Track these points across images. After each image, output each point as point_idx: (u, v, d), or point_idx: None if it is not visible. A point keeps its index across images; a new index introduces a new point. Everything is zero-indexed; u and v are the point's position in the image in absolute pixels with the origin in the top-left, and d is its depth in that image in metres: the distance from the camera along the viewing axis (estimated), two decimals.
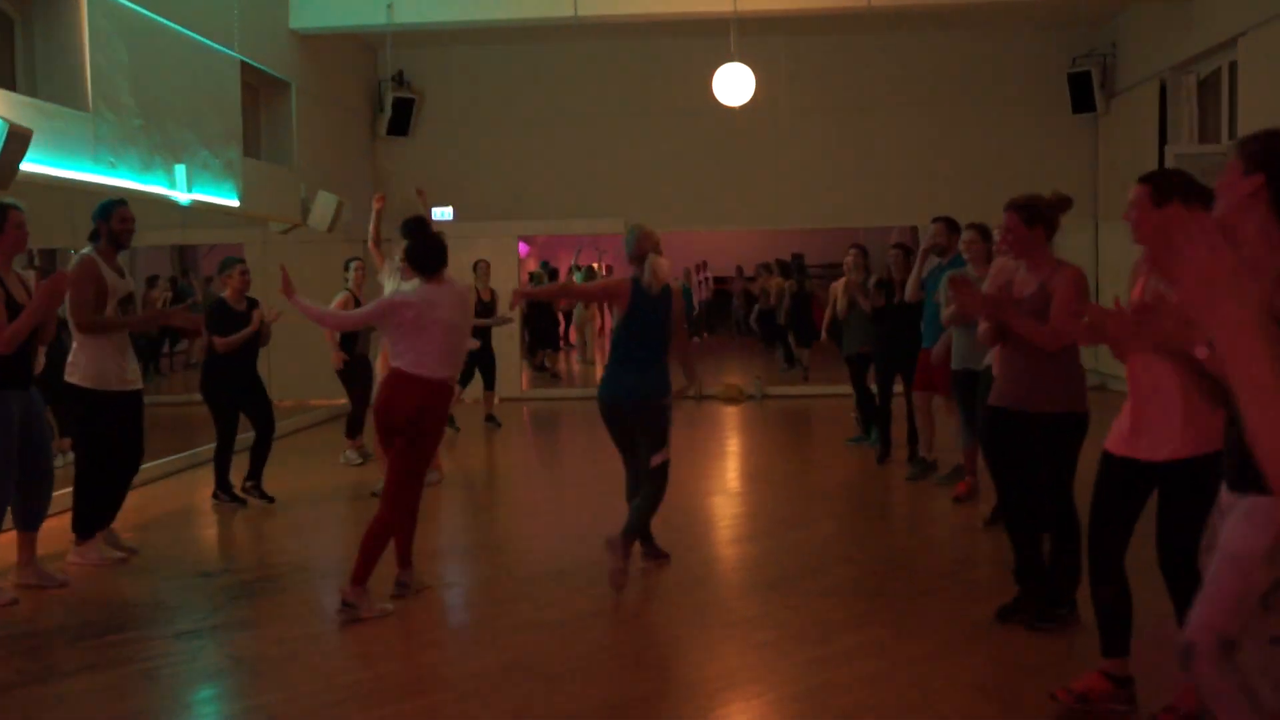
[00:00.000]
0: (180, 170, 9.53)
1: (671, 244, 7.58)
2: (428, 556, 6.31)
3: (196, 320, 6.93)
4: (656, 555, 6.19)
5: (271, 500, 8.05)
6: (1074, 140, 14.69)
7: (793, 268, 18.85)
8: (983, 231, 6.73)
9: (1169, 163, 11.52)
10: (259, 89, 12.04)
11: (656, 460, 5.76)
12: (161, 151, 9.30)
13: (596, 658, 4.81)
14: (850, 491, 8.63)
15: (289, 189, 12.07)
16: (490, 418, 12.32)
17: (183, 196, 9.57)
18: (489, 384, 12.09)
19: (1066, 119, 14.49)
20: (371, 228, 8.74)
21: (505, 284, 14.94)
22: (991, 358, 5.61)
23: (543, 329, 18.36)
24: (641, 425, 5.83)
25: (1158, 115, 12.72)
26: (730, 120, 14.70)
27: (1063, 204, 5.01)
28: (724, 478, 9.40)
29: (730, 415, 13.27)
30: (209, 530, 7.63)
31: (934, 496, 8.04)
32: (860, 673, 4.50)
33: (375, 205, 8.70)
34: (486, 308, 11.62)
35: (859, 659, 4.66)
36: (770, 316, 20.26)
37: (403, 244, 5.87)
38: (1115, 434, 4.12)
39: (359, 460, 9.72)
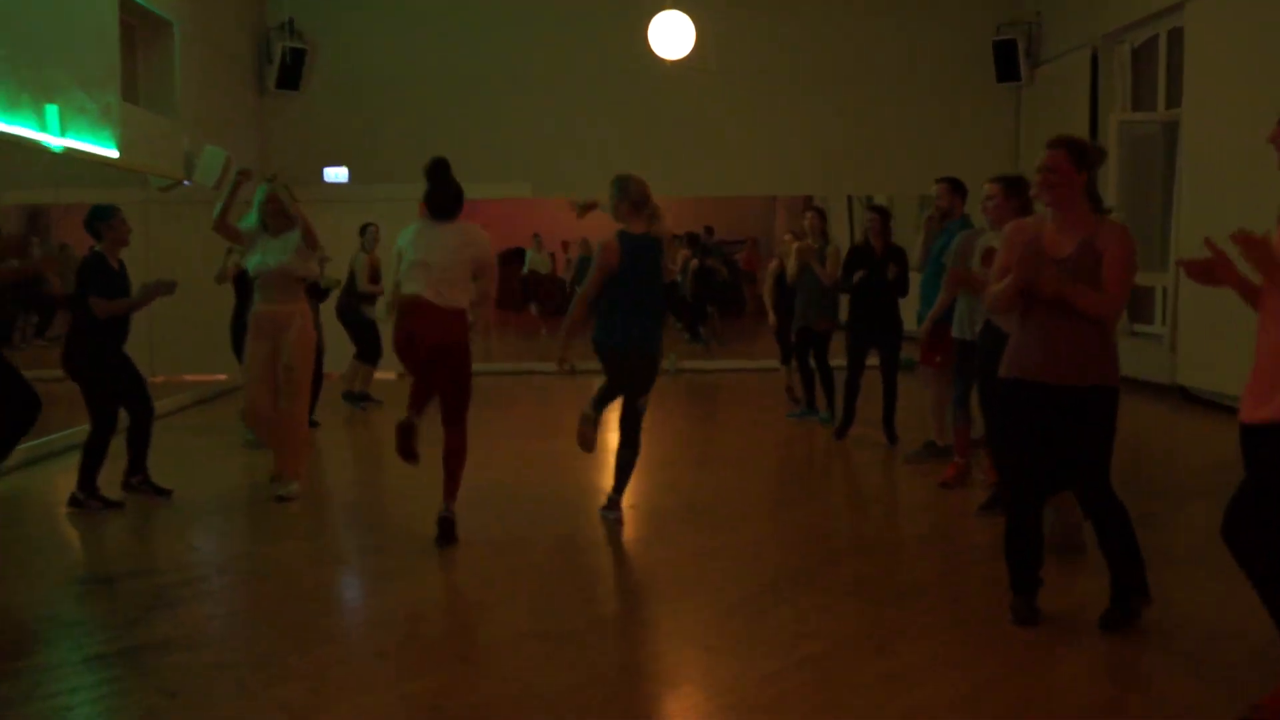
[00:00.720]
0: (52, 111, 8.30)
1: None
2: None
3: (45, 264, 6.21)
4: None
5: (168, 494, 6.82)
6: (999, 110, 14.35)
7: (699, 241, 18.19)
8: (1010, 186, 5.98)
9: (1113, 131, 11.24)
10: (136, 27, 10.76)
11: (644, 401, 6.11)
12: (30, 89, 8.06)
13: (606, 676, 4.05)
14: (822, 471, 8.04)
15: (171, 141, 10.85)
16: (353, 395, 11.09)
17: (55, 141, 8.35)
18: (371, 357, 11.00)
19: (991, 88, 14.14)
20: (224, 205, 7.16)
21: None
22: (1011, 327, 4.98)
23: None
24: (642, 374, 6.05)
25: (1089, 83, 12.42)
26: (653, 81, 13.95)
27: (1102, 155, 4.49)
28: (681, 455, 8.62)
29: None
30: (99, 528, 6.49)
31: (906, 475, 7.49)
32: (952, 697, 3.79)
33: (237, 177, 7.39)
34: (377, 274, 10.62)
35: (936, 679, 3.96)
36: (674, 288, 19.70)
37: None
38: (1249, 402, 3.58)
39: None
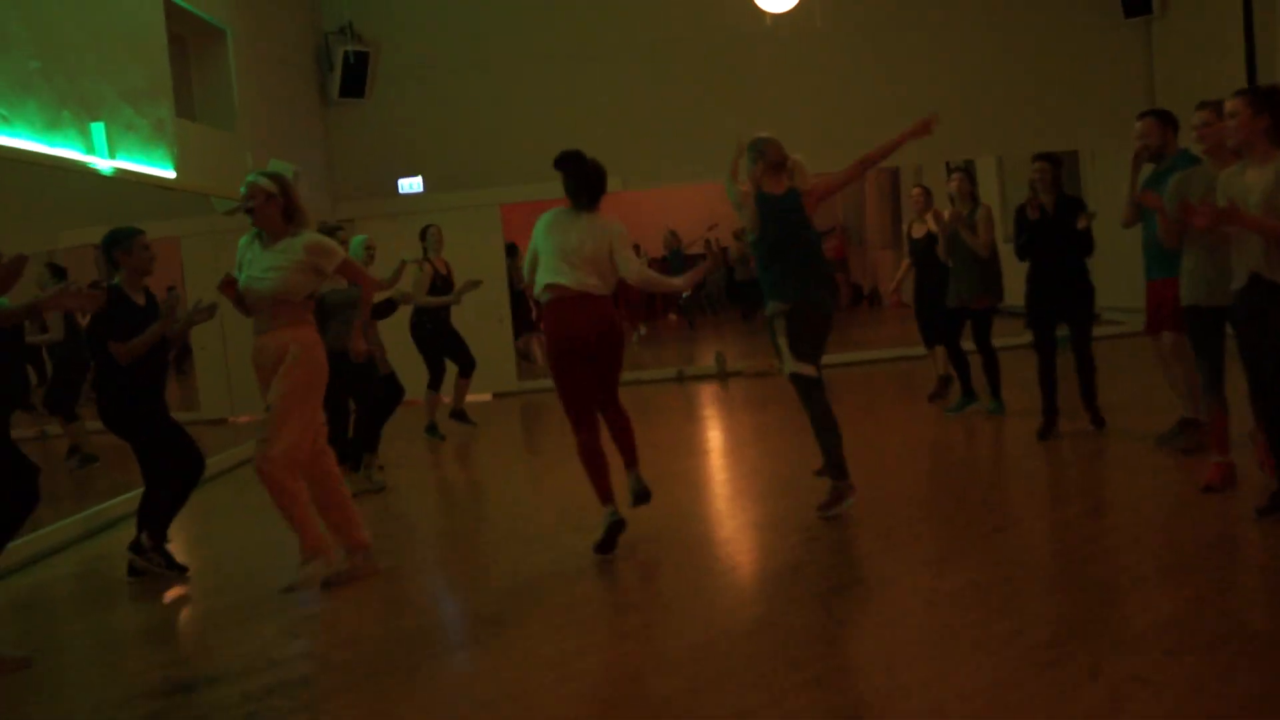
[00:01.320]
0: (98, 130, 7.38)
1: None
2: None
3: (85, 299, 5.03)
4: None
5: (183, 570, 5.75)
6: (1125, 51, 12.91)
7: None
8: (1263, 99, 4.74)
9: None
10: (188, 38, 9.87)
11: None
12: (71, 105, 7.14)
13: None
14: (1027, 475, 6.79)
15: (232, 157, 9.91)
16: (459, 414, 10.12)
17: (103, 164, 7.42)
18: (465, 370, 9.90)
19: (1116, 26, 12.73)
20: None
21: (490, 265, 12.95)
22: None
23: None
24: (814, 335, 5.71)
25: (1241, 9, 10.96)
26: (743, 52, 12.80)
27: None
28: (872, 455, 7.39)
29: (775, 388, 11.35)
30: (166, 613, 5.41)
31: (1144, 470, 6.26)
32: None
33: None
34: (444, 283, 9.55)
35: None
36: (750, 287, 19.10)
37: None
38: None
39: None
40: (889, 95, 12.79)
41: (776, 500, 6.43)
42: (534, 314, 18.12)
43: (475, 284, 9.36)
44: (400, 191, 13.03)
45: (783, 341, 5.66)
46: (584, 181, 5.44)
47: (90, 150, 7.29)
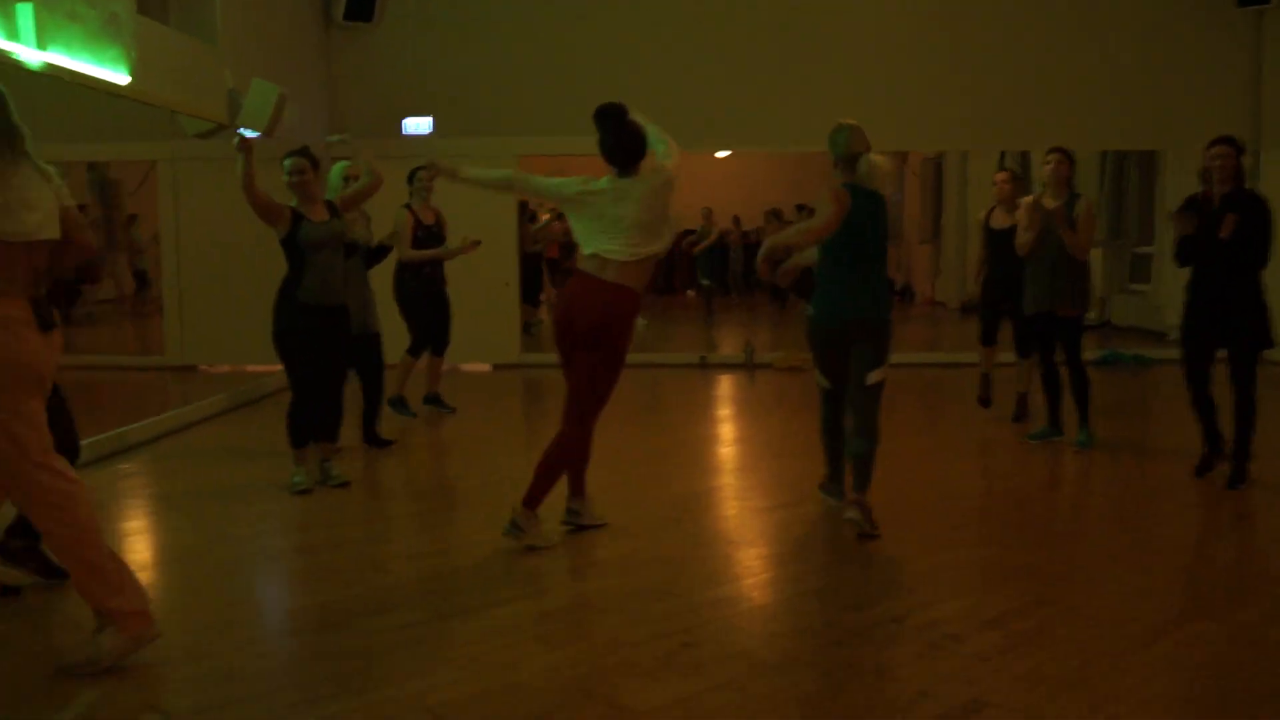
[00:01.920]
0: (25, 13, 6.00)
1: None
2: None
3: None
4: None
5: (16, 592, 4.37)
6: (1234, 42, 11.46)
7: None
8: None
9: None
10: None
11: (874, 378, 5.18)
12: None
13: None
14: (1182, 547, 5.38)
15: (207, 72, 8.52)
16: (433, 398, 8.78)
17: (29, 54, 6.05)
18: (437, 348, 8.48)
19: (1226, 15, 11.28)
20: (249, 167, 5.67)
21: (500, 223, 11.59)
22: None
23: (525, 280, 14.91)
24: (869, 342, 5.19)
25: None
26: (799, 11, 11.40)
27: None
28: (914, 498, 6.06)
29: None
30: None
31: None
32: None
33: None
34: (429, 236, 8.10)
35: None
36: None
37: None
38: None
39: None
40: (951, 77, 11.42)
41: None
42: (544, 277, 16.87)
43: (474, 244, 8.07)
44: (405, 133, 11.64)
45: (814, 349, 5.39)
46: (619, 142, 4.93)
47: (14, 37, 5.92)
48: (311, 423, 6.05)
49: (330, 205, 6.10)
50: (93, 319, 15.68)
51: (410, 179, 8.10)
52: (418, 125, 11.64)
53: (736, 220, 21.55)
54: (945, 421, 8.92)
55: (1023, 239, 7.04)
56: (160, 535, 5.53)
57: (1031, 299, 7.07)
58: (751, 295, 21.38)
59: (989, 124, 11.71)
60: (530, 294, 15.15)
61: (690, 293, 22.04)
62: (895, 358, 5.44)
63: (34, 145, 3.57)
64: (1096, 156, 14.42)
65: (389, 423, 7.82)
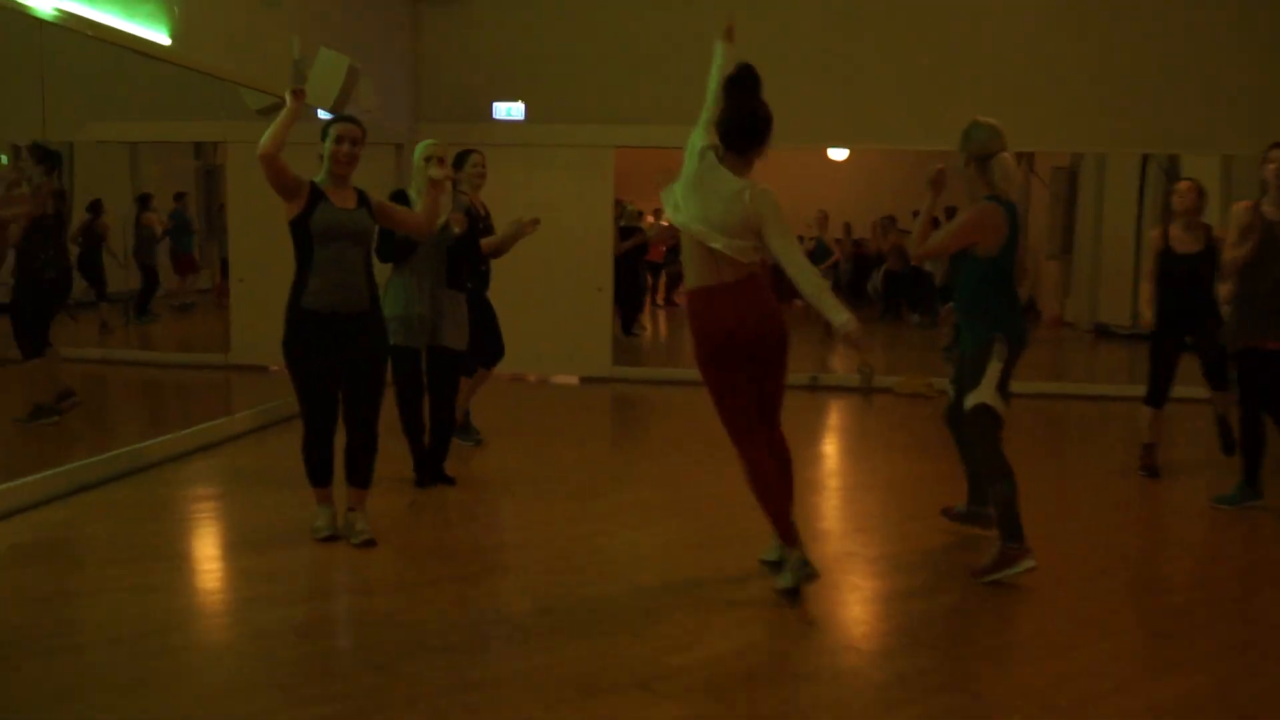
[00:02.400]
0: None
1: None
2: None
3: None
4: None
5: None
6: None
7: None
8: None
9: None
10: None
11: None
12: None
13: None
14: None
15: (268, 37, 7.59)
16: (462, 425, 7.21)
17: (41, 2, 5.12)
18: (487, 360, 7.20)
19: None
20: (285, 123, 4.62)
21: (595, 218, 10.51)
22: None
23: (623, 283, 13.74)
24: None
25: None
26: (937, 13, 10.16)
27: None
28: (1086, 587, 4.82)
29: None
30: None
31: None
32: None
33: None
34: (475, 226, 6.45)
35: None
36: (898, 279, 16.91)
37: None
38: None
39: None
40: (1088, 72, 10.04)
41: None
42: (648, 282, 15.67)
43: (533, 223, 6.69)
44: (495, 117, 10.63)
45: (994, 369, 4.73)
46: (746, 119, 4.32)
47: None
48: (325, 460, 4.95)
49: (362, 195, 4.91)
50: (190, 309, 14.92)
51: (459, 163, 6.67)
52: (509, 110, 10.62)
53: (848, 229, 20.19)
54: (1084, 466, 7.58)
55: (1235, 254, 5.71)
56: (165, 594, 4.52)
57: (1241, 329, 5.74)
58: (859, 310, 20.00)
59: (1132, 125, 10.26)
60: (633, 299, 14.10)
61: (798, 302, 20.70)
62: (1017, 385, 4.46)
63: None
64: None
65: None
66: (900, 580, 4.68)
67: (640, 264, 14.77)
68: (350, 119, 4.86)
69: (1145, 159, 15.58)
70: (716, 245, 4.21)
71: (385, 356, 4.93)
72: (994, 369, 4.70)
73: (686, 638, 3.92)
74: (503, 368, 10.39)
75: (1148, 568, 5.14)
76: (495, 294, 10.34)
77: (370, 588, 4.41)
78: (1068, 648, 3.90)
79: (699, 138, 4.36)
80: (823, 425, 8.99)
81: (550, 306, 10.55)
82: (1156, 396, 6.70)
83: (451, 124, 10.54)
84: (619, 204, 15.19)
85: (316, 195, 4.70)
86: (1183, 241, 6.52)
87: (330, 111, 7.81)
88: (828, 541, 5.27)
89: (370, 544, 4.88)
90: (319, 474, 4.95)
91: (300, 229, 4.65)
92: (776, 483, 4.37)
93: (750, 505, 4.55)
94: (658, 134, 10.13)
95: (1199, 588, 4.76)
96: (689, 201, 4.30)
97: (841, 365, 11.78)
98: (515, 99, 10.62)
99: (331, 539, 4.92)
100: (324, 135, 4.80)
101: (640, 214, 15.70)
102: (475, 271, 6.55)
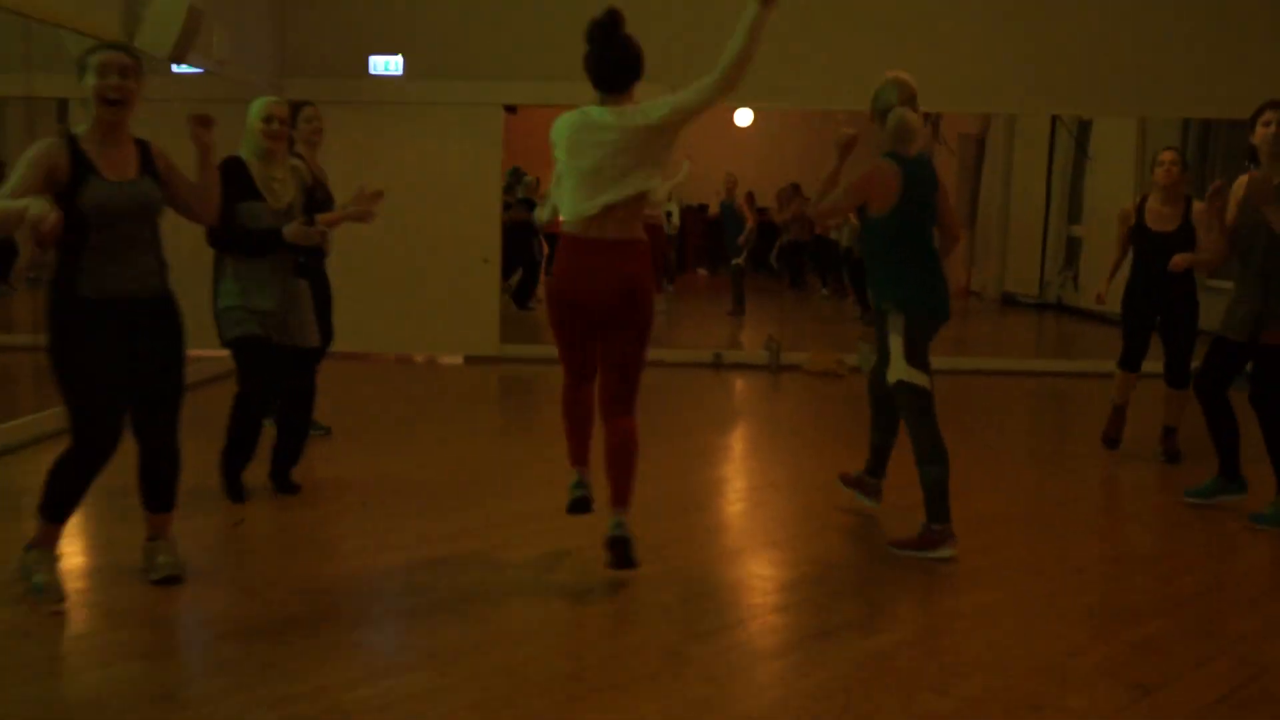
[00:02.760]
0: None
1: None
2: None
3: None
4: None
5: None
6: None
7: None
8: None
9: None
10: None
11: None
12: None
13: None
14: None
15: None
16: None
17: None
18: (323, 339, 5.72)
19: None
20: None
21: (484, 183, 9.68)
22: None
23: (516, 253, 12.93)
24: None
25: None
26: None
27: None
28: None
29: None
30: None
31: None
32: None
33: None
34: (315, 200, 5.41)
35: None
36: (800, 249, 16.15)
37: None
38: None
39: None
40: (999, 27, 9.49)
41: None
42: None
43: (375, 196, 5.51)
44: (371, 72, 9.69)
45: (895, 342, 4.51)
46: (606, 55, 4.05)
47: None
48: (83, 490, 3.85)
49: (145, 152, 3.86)
50: (38, 284, 13.71)
51: (292, 115, 5.48)
52: (386, 64, 9.69)
53: (751, 197, 19.55)
54: (1042, 452, 7.04)
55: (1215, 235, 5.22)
56: None
57: (1239, 320, 5.12)
58: (763, 281, 19.39)
59: (1044, 86, 9.75)
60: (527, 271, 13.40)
61: (701, 271, 20.05)
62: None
63: None
64: (1177, 125, 12.42)
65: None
66: (828, 614, 4.01)
67: (533, 233, 13.92)
68: (118, 46, 3.84)
69: (1054, 125, 15.22)
70: (611, 198, 3.90)
71: (183, 351, 4.02)
72: (895, 342, 4.48)
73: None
74: (386, 348, 9.63)
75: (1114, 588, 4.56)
76: (369, 267, 9.53)
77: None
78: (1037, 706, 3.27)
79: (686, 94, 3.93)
80: (728, 410, 8.33)
81: (432, 280, 9.70)
82: (1131, 358, 6.42)
83: (321, 79, 9.59)
84: (517, 172, 14.30)
85: (80, 164, 3.68)
86: (1160, 217, 6.12)
87: (171, 62, 6.86)
88: (734, 563, 4.58)
89: (174, 580, 3.99)
90: (66, 505, 3.85)
91: (67, 208, 3.59)
92: (586, 420, 4.30)
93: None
94: (555, 91, 9.26)
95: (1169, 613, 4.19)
96: (575, 186, 3.98)
97: (748, 342, 11.15)
98: (394, 52, 9.69)
99: (55, 595, 3.78)
100: (80, 69, 3.71)
101: (538, 182, 14.79)
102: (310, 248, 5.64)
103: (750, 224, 13.93)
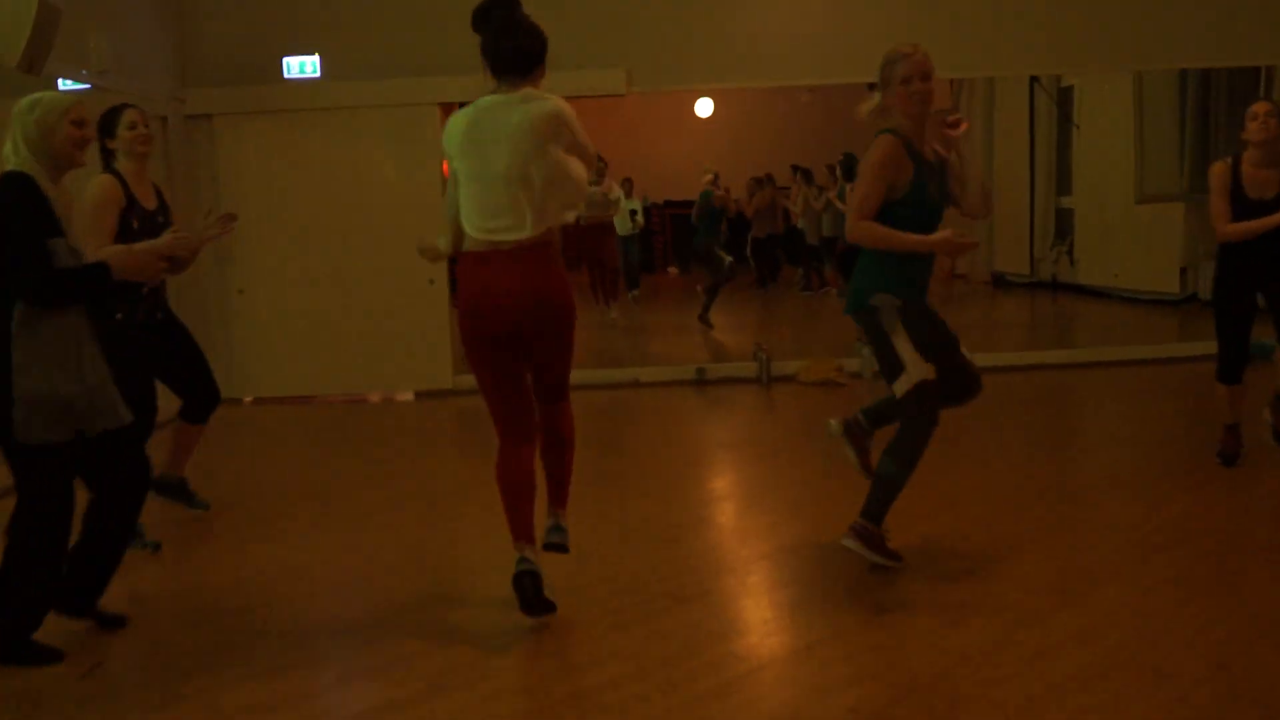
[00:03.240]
0: None
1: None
2: None
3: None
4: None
5: None
6: None
7: (853, 168, 12.60)
8: None
9: None
10: None
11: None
12: None
13: None
14: None
15: None
16: (175, 485, 5.16)
17: None
18: (197, 409, 4.99)
19: None
20: None
21: (419, 192, 8.55)
22: None
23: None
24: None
25: None
26: None
27: None
28: None
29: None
30: None
31: None
32: None
33: None
34: (150, 224, 4.47)
35: None
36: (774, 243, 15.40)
37: None
38: None
39: None
40: None
41: None
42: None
43: (228, 220, 4.62)
44: (286, 75, 8.54)
45: (902, 343, 3.96)
46: (505, 40, 3.70)
47: None
48: None
49: None
50: None
51: (106, 128, 4.55)
52: (302, 66, 8.54)
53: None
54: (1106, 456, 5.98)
55: None
56: None
57: None
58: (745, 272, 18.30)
59: (1021, 44, 8.72)
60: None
61: (673, 269, 18.98)
62: None
63: None
64: (1174, 78, 11.44)
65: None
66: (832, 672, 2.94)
67: None
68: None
69: (1033, 91, 14.25)
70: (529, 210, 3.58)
71: None
72: (900, 342, 3.98)
73: None
74: (333, 389, 8.47)
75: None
76: (292, 297, 8.38)
77: None
78: None
79: None
80: (712, 436, 7.25)
81: (371, 308, 8.57)
82: (1230, 369, 5.36)
83: (228, 87, 8.44)
84: None
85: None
86: (1258, 182, 5.09)
87: (24, 70, 5.69)
88: (746, 636, 3.50)
89: None
90: None
91: None
92: (528, 489, 3.73)
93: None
94: (482, 86, 8.17)
95: None
96: (479, 194, 3.62)
97: (733, 351, 10.07)
98: (310, 52, 8.54)
99: None
100: None
101: None
102: (133, 292, 4.50)
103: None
